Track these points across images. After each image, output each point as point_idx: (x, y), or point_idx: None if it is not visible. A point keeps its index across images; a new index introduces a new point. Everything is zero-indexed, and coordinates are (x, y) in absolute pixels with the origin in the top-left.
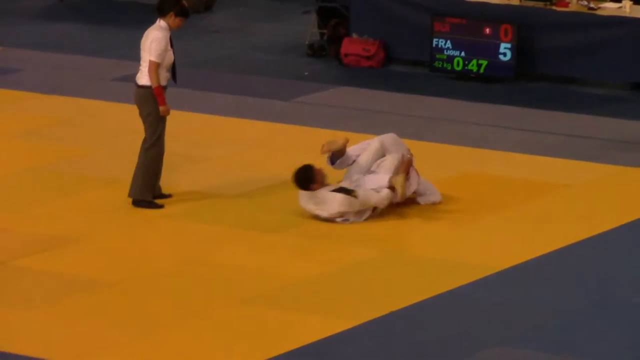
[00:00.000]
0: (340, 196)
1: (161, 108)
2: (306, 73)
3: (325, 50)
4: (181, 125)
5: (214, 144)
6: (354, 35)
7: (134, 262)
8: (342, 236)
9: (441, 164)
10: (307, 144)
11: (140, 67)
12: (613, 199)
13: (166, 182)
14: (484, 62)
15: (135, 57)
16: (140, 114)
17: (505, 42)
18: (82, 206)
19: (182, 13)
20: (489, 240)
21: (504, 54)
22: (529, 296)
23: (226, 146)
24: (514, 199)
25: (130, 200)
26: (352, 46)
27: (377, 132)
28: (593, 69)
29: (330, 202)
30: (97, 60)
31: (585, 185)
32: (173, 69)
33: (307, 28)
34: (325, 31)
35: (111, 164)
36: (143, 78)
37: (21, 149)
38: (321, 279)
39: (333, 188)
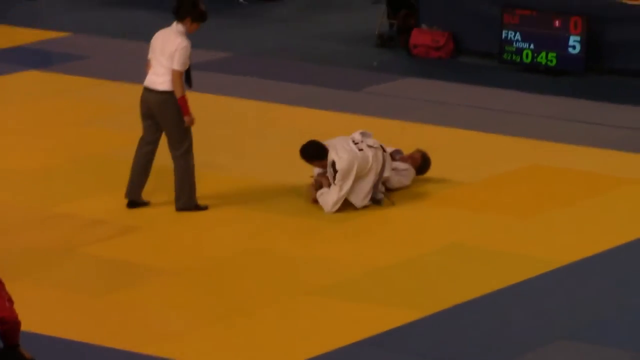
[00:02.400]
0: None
1: (186, 118)
2: (375, 63)
3: (394, 40)
4: (248, 114)
5: (280, 133)
6: (424, 26)
7: (197, 252)
8: (407, 229)
9: (508, 156)
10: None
11: (155, 70)
12: None
13: (232, 168)
14: (554, 55)
15: (204, 44)
16: (160, 120)
17: (575, 34)
18: (145, 194)
19: (200, 19)
20: (555, 234)
21: (574, 47)
22: (595, 291)
23: (293, 136)
24: (581, 192)
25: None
26: (422, 37)
27: (445, 123)
28: None
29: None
30: None
31: None
32: (188, 73)
33: (377, 18)
34: (395, 21)
35: None
36: (163, 83)
37: (87, 136)
38: (385, 271)
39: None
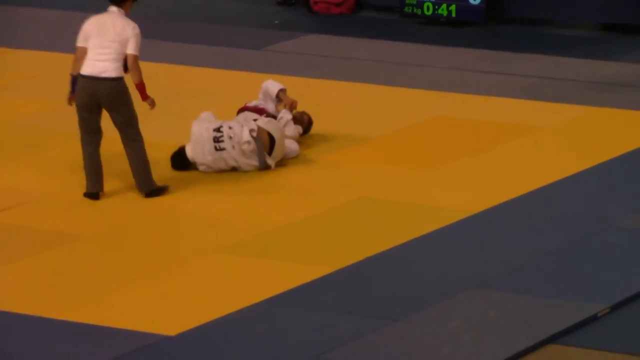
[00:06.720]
0: None
1: (149, 101)
2: (276, 21)
3: None
4: (151, 77)
5: (184, 95)
6: None
7: (106, 215)
8: (314, 184)
9: (413, 108)
10: None
11: (103, 57)
12: (585, 140)
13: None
14: (454, 6)
15: (103, 8)
16: (111, 108)
17: None
18: (51, 160)
19: None
20: (463, 184)
21: None
22: (504, 239)
23: (197, 97)
24: (487, 142)
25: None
26: None
27: (349, 78)
28: (563, 10)
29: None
30: (64, 13)
31: (557, 126)
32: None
33: None
34: None
35: None
36: (114, 70)
37: None
38: (293, 227)
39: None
